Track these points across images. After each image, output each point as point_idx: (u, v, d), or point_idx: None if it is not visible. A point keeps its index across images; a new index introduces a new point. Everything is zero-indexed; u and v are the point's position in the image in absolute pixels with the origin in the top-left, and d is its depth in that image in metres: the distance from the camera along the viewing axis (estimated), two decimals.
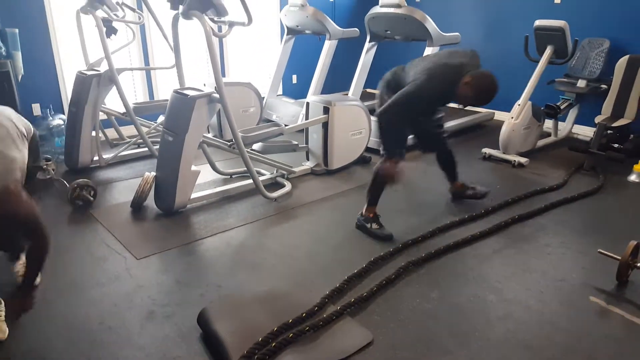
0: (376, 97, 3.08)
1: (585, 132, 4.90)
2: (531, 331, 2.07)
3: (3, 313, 2.01)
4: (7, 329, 1.99)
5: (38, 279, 2.11)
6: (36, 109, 4.43)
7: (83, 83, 3.81)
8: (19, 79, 4.15)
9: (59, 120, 4.30)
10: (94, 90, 3.81)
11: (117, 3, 3.93)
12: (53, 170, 3.66)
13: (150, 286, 2.39)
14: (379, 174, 2.84)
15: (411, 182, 3.81)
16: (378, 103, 2.94)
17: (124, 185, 3.72)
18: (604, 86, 4.47)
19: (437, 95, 2.71)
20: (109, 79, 3.83)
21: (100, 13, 3.72)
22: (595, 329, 2.10)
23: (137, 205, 3.25)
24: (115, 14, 3.87)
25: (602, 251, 2.49)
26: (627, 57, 4.26)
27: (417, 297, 2.30)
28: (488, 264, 2.61)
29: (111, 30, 3.85)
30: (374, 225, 2.91)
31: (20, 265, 2.32)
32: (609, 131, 4.25)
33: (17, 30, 4.06)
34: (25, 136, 2.13)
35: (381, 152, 2.80)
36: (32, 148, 2.22)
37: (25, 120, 2.25)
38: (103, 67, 3.94)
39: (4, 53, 4.00)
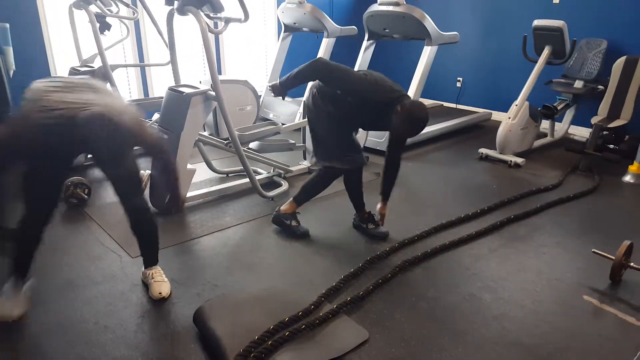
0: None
1: (582, 133, 4.92)
2: (526, 330, 2.07)
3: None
4: None
5: None
6: None
7: None
8: (11, 75, 4.11)
9: None
10: None
11: None
12: None
13: (145, 285, 2.37)
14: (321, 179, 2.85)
15: (407, 181, 3.80)
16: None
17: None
18: (600, 87, 4.49)
19: (366, 103, 2.55)
20: (103, 75, 3.80)
21: (93, 8, 3.69)
22: (588, 328, 2.10)
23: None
24: (109, 10, 3.86)
25: (596, 251, 2.51)
26: (624, 58, 4.27)
27: (413, 296, 2.30)
28: (484, 263, 2.61)
29: (105, 26, 3.83)
30: (293, 223, 2.91)
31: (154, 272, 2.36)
32: (605, 132, 4.26)
33: (7, 25, 4.01)
34: None
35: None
36: None
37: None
38: (97, 64, 3.91)
39: None
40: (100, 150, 1.87)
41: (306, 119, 3.75)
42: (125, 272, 2.49)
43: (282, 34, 5.53)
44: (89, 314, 2.14)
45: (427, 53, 4.36)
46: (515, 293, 2.34)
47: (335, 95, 2.58)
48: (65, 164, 2.11)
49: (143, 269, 2.40)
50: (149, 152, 2.12)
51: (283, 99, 2.67)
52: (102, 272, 2.48)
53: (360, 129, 2.92)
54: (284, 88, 2.64)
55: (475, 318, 2.15)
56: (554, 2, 5.01)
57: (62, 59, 4.55)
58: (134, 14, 4.40)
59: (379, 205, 2.89)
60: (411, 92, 4.37)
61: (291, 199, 2.92)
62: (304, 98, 2.98)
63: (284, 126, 3.72)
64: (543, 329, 2.09)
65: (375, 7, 4.50)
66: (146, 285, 2.35)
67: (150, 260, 2.38)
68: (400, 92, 2.54)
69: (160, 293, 2.26)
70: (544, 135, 4.84)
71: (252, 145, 3.64)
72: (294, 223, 2.91)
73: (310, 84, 2.88)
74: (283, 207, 2.92)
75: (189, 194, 3.24)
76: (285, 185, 3.59)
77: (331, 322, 2.05)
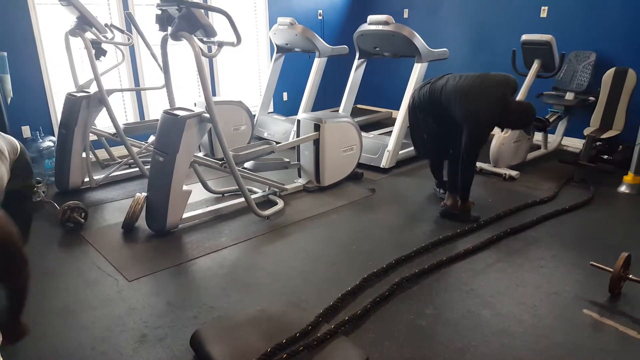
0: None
1: (575, 144, 4.95)
2: (526, 345, 2.06)
3: None
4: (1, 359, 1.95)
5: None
6: (26, 131, 4.42)
7: (73, 105, 3.81)
8: (8, 102, 4.14)
9: (49, 142, 4.28)
10: (83, 112, 3.80)
11: (106, 25, 3.95)
12: (43, 192, 3.63)
13: (142, 309, 2.36)
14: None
15: (403, 197, 3.81)
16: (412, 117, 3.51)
17: (115, 207, 3.69)
18: (591, 98, 4.54)
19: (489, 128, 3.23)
20: (99, 100, 3.83)
21: (89, 35, 3.73)
22: (589, 342, 2.09)
23: (129, 227, 3.22)
24: (104, 36, 3.89)
25: (595, 263, 2.50)
26: (613, 69, 4.34)
27: (411, 314, 2.29)
28: (481, 279, 2.61)
29: (100, 52, 3.86)
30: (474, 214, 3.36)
31: None
32: (598, 143, 4.30)
33: (5, 54, 4.06)
34: (3, 154, 2.02)
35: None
36: (20, 167, 2.17)
37: (11, 138, 2.21)
38: (93, 89, 3.94)
39: None
40: None
41: (307, 136, 3.81)
42: (122, 296, 2.47)
43: (274, 54, 5.60)
44: (86, 340, 2.13)
45: (418, 70, 4.42)
46: (513, 308, 2.33)
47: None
48: None
49: None
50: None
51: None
52: (99, 297, 2.46)
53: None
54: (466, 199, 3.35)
55: (474, 335, 2.14)
56: (541, 16, 5.10)
57: (58, 85, 4.58)
58: (128, 39, 4.45)
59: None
60: (403, 108, 4.41)
61: (459, 199, 3.36)
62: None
63: (278, 145, 3.74)
64: (543, 344, 2.07)
65: (365, 27, 4.57)
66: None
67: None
68: (498, 104, 3.09)
69: None
70: (538, 147, 4.87)
71: (247, 164, 3.65)
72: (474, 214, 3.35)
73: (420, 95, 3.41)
74: (447, 202, 3.39)
75: (185, 215, 3.24)
76: (280, 204, 3.59)
77: (329, 343, 2.03)
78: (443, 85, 3.27)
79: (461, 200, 3.35)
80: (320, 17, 6.46)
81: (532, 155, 4.68)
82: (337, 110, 5.19)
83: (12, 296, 1.77)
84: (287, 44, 5.38)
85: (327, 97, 6.22)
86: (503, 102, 3.10)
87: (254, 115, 5.38)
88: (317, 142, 3.84)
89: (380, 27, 4.40)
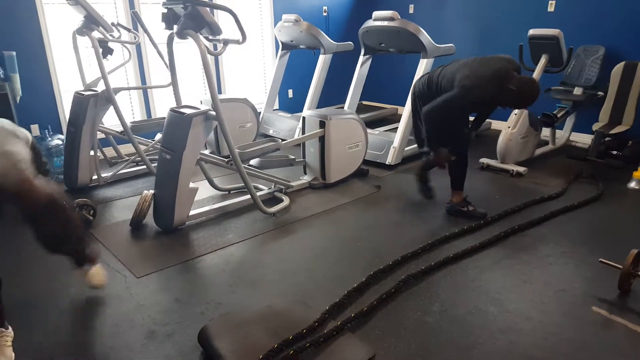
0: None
1: (584, 140, 4.91)
2: (534, 343, 2.05)
3: (10, 339, 1.99)
4: (12, 354, 1.98)
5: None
6: (35, 129, 4.45)
7: (80, 103, 3.83)
8: (17, 101, 4.18)
9: (57, 141, 4.32)
10: (91, 110, 3.82)
11: (113, 24, 3.97)
12: None
13: (150, 305, 2.38)
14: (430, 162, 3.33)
15: (409, 193, 3.80)
16: (413, 105, 3.44)
17: (123, 204, 3.71)
18: (600, 93, 4.49)
19: (482, 99, 3.02)
20: (106, 98, 3.85)
21: (96, 34, 3.75)
22: (598, 340, 2.08)
23: (137, 224, 3.24)
24: (111, 35, 3.91)
25: (604, 260, 2.48)
26: (622, 63, 4.29)
27: (418, 311, 2.28)
28: (489, 276, 2.59)
29: (107, 51, 3.88)
30: (470, 207, 3.30)
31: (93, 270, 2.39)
32: (607, 138, 4.25)
33: (14, 53, 4.10)
34: (18, 136, 2.06)
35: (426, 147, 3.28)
36: (35, 153, 2.20)
37: (23, 129, 2.24)
38: (100, 87, 3.97)
39: (1, 76, 4.04)
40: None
41: (312, 133, 3.80)
42: (131, 292, 2.49)
43: (279, 51, 5.60)
44: (95, 336, 2.15)
45: (424, 65, 4.39)
46: (521, 305, 2.32)
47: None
48: None
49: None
50: (44, 212, 1.87)
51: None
52: (108, 293, 2.48)
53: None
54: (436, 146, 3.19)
55: (481, 332, 2.13)
56: (548, 10, 5.05)
57: (66, 84, 4.61)
58: (135, 38, 4.46)
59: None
60: (408, 104, 4.38)
61: (451, 190, 3.36)
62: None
63: (283, 142, 3.74)
64: (551, 341, 2.06)
65: (370, 23, 4.55)
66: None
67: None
68: (504, 74, 2.91)
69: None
70: (545, 143, 4.84)
71: (253, 162, 3.66)
72: (470, 207, 3.29)
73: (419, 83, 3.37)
74: (453, 199, 3.35)
75: (191, 212, 3.25)
76: (286, 201, 3.59)
77: (336, 339, 2.04)
78: (442, 68, 3.23)
79: (455, 190, 3.38)
80: (325, 14, 6.45)
81: (540, 151, 4.64)
82: (343, 107, 5.18)
83: (72, 240, 2.04)
84: (292, 41, 5.37)
85: (333, 94, 6.21)
86: (503, 75, 2.93)
87: (260, 112, 5.39)
88: (322, 139, 3.84)
89: (385, 23, 4.38)
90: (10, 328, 2.03)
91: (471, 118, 3.43)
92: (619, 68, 4.30)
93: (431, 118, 3.09)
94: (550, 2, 5.02)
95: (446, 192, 3.45)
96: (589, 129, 4.46)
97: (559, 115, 4.61)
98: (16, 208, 1.82)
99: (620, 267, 2.36)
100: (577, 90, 4.64)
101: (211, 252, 2.92)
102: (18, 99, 4.19)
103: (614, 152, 4.24)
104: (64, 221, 1.97)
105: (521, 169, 4.16)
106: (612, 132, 4.16)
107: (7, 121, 2.05)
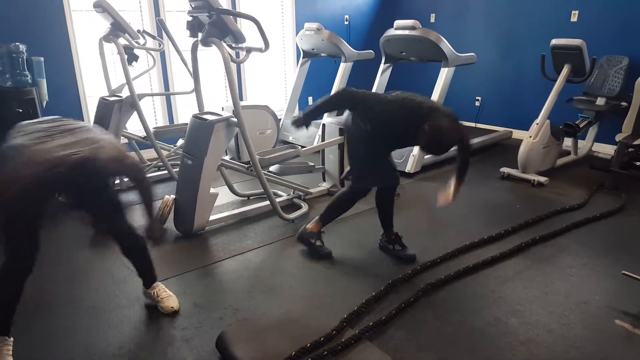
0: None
1: (606, 150, 4.83)
2: (555, 356, 2.02)
3: (11, 348, 2.01)
4: None
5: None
6: None
7: (105, 108, 3.92)
8: (44, 105, 4.29)
9: None
10: (115, 115, 3.91)
11: (138, 31, 4.06)
12: None
13: None
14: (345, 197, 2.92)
15: (428, 201, 3.78)
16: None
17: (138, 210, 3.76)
18: (624, 104, 4.42)
19: (397, 123, 2.56)
20: (131, 104, 3.93)
21: (122, 41, 3.84)
22: (621, 354, 2.04)
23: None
24: (136, 42, 4.00)
25: (627, 273, 2.43)
26: None
27: (437, 321, 2.27)
28: (509, 286, 2.56)
29: (132, 57, 3.97)
30: (318, 242, 2.93)
31: (158, 290, 2.42)
32: (630, 149, 4.17)
33: (42, 59, 4.21)
34: None
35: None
36: None
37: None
38: (124, 93, 4.05)
39: (29, 81, 4.14)
40: (84, 189, 1.91)
41: (332, 140, 3.82)
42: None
43: (300, 59, 5.64)
44: (114, 338, 2.18)
45: (445, 74, 4.39)
46: (542, 317, 2.28)
47: (369, 117, 2.62)
48: (43, 211, 1.99)
49: (144, 289, 2.44)
50: (131, 178, 2.13)
51: (307, 128, 2.76)
52: (128, 296, 2.52)
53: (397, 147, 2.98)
54: (307, 118, 2.71)
55: (501, 343, 2.11)
56: (571, 20, 5.00)
57: (92, 89, 4.72)
58: (160, 45, 4.56)
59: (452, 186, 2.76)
60: None
61: (317, 217, 2.95)
62: (343, 118, 3.09)
63: (303, 149, 3.77)
64: (573, 354, 2.03)
65: (391, 32, 4.56)
66: (152, 306, 2.41)
67: (149, 279, 2.43)
68: (429, 108, 2.46)
69: (172, 307, 2.35)
70: (567, 153, 4.77)
71: (272, 168, 3.69)
72: (318, 243, 2.93)
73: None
74: (309, 226, 2.94)
75: (211, 217, 3.29)
76: (305, 208, 3.61)
77: (353, 348, 2.03)
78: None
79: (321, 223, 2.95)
80: (346, 23, 6.49)
81: (561, 161, 4.58)
82: None
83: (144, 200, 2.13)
84: (313, 49, 5.41)
85: None
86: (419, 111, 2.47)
87: (280, 119, 5.42)
88: (341, 146, 3.85)
89: (406, 32, 4.39)
90: (11, 338, 2.02)
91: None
92: None
93: (340, 98, 2.74)
94: (573, 12, 4.97)
95: (464, 202, 3.41)
96: (612, 140, 4.38)
97: (581, 126, 4.55)
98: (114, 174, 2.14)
99: None
100: (600, 101, 4.57)
101: (230, 258, 2.94)
102: (45, 103, 4.30)
103: (638, 163, 4.15)
104: (147, 187, 2.14)
105: (542, 178, 4.11)
106: (635, 142, 4.08)
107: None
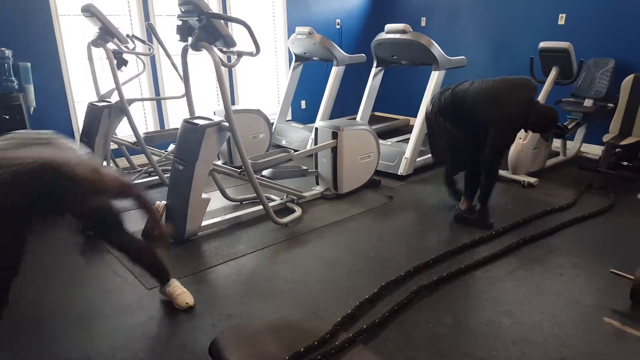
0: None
1: (594, 151, 4.89)
2: (547, 355, 2.04)
3: None
4: None
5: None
6: None
7: (94, 114, 3.89)
8: (31, 112, 4.25)
9: None
10: (105, 121, 3.88)
11: (128, 35, 4.04)
12: None
13: (161, 316, 2.40)
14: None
15: (421, 204, 3.80)
16: (433, 119, 3.44)
17: (136, 215, 3.73)
18: (610, 105, 4.48)
19: (515, 130, 3.28)
20: (120, 109, 3.91)
21: (111, 46, 3.82)
22: (611, 351, 2.07)
23: (148, 235, 3.27)
24: (125, 46, 3.98)
25: (615, 271, 2.47)
26: (632, 75, 4.27)
27: (430, 322, 2.28)
28: (501, 287, 2.59)
29: (122, 62, 3.95)
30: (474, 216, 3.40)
31: (172, 287, 2.47)
32: (617, 149, 4.23)
33: (29, 64, 4.18)
34: None
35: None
36: None
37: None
38: (114, 98, 4.03)
39: (16, 86, 4.10)
40: (61, 203, 1.83)
41: (325, 144, 3.83)
42: (142, 303, 2.51)
43: (293, 63, 5.65)
44: (106, 348, 2.16)
45: (435, 77, 4.42)
46: (534, 317, 2.31)
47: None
48: (20, 224, 1.85)
49: (160, 288, 2.49)
50: (117, 197, 2.14)
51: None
52: (119, 305, 2.50)
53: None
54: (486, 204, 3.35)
55: (494, 344, 2.12)
56: (559, 23, 5.06)
57: (80, 95, 4.69)
58: (149, 50, 4.54)
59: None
60: (420, 115, 4.41)
61: (462, 198, 3.47)
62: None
63: (296, 153, 3.77)
64: (564, 353, 2.05)
65: (382, 36, 4.59)
66: (167, 301, 2.45)
67: (163, 278, 2.47)
68: (527, 107, 3.08)
69: (187, 303, 2.41)
70: (557, 154, 4.82)
71: (265, 172, 3.69)
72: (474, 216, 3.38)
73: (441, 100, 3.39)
74: (461, 206, 3.45)
75: (204, 223, 3.28)
76: (298, 212, 3.61)
77: (347, 351, 2.04)
78: (466, 89, 3.26)
79: (482, 204, 3.34)
80: (338, 26, 6.51)
81: (551, 162, 4.63)
82: (355, 118, 5.20)
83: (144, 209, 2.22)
84: (305, 53, 5.43)
85: (345, 105, 6.24)
86: (529, 103, 3.11)
87: (272, 123, 5.43)
88: (334, 150, 3.87)
89: (398, 36, 4.42)
90: None
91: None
92: (628, 80, 4.28)
93: (493, 169, 3.29)
94: (560, 15, 5.03)
95: (451, 203, 3.45)
96: (599, 140, 4.44)
97: (569, 127, 4.59)
98: (91, 193, 1.85)
99: (632, 277, 2.35)
100: (588, 102, 4.63)
101: (223, 263, 2.93)
102: (32, 109, 4.26)
103: (625, 164, 4.21)
104: (143, 201, 2.19)
105: (532, 179, 4.15)
106: (622, 143, 4.14)
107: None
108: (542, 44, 4.42)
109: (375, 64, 4.98)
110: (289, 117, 6.19)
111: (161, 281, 2.48)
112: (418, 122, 4.45)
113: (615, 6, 4.68)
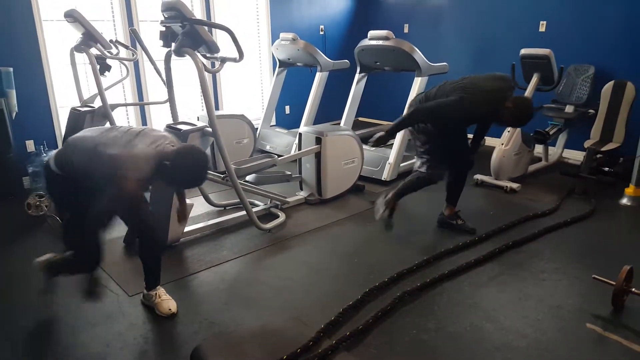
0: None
1: (576, 157, 4.96)
2: None
3: None
4: None
5: None
6: (30, 145, 4.45)
7: (77, 119, 3.85)
8: (13, 117, 4.19)
9: None
10: (87, 126, 3.82)
11: (111, 41, 4.01)
12: (46, 206, 3.65)
13: (142, 324, 2.36)
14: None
15: (404, 210, 3.81)
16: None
17: (117, 220, 3.68)
18: (591, 111, 4.56)
19: (475, 113, 3.05)
20: (103, 114, 3.87)
21: (94, 51, 3.78)
22: (593, 357, 2.08)
23: (130, 241, 3.23)
24: (109, 52, 3.95)
25: (597, 277, 2.49)
26: (612, 82, 4.37)
27: (414, 328, 2.28)
28: (484, 292, 2.60)
29: (105, 67, 3.92)
30: (459, 221, 3.36)
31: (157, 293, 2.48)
32: (598, 155, 4.30)
33: (11, 69, 4.11)
34: None
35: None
36: None
37: None
38: (97, 103, 3.99)
39: None
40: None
41: (308, 149, 3.82)
42: (123, 311, 2.47)
43: (277, 69, 5.65)
44: (86, 357, 2.12)
45: (418, 84, 4.45)
46: (516, 322, 2.32)
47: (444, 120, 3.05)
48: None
49: (145, 291, 2.48)
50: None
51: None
52: (99, 312, 2.46)
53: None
54: (390, 136, 3.01)
55: (477, 349, 2.13)
56: (540, 30, 5.14)
57: (63, 100, 4.62)
58: (133, 55, 4.50)
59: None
60: None
61: (445, 203, 3.39)
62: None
63: (280, 158, 3.76)
64: (547, 358, 2.06)
65: (365, 42, 4.61)
66: (149, 308, 2.45)
67: (153, 281, 2.47)
68: (502, 91, 2.95)
69: (170, 309, 2.39)
70: (539, 159, 4.88)
71: (249, 177, 3.66)
72: (459, 221, 3.35)
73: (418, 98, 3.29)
74: (445, 212, 3.39)
75: (186, 229, 3.25)
76: (282, 217, 3.59)
77: (331, 358, 2.02)
78: (439, 86, 3.20)
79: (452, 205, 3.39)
80: (321, 33, 6.54)
81: (533, 167, 4.69)
82: (339, 124, 5.22)
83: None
84: (289, 59, 5.43)
85: (329, 111, 6.26)
86: (500, 92, 2.98)
87: (257, 128, 5.41)
88: (318, 155, 3.86)
89: (380, 42, 4.44)
90: None
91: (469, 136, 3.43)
92: (608, 87, 4.37)
93: (415, 118, 3.08)
94: (541, 22, 5.12)
95: (437, 209, 3.47)
96: (581, 146, 4.51)
97: (551, 133, 4.66)
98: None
99: (613, 283, 2.37)
100: (569, 108, 4.70)
101: (205, 269, 2.90)
102: (14, 114, 4.19)
103: (606, 169, 4.28)
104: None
105: (515, 185, 4.19)
106: (603, 149, 4.21)
107: None
108: (523, 51, 4.48)
109: (358, 69, 5.00)
110: (273, 122, 6.19)
111: (151, 284, 2.46)
112: None
113: (594, 13, 4.78)
